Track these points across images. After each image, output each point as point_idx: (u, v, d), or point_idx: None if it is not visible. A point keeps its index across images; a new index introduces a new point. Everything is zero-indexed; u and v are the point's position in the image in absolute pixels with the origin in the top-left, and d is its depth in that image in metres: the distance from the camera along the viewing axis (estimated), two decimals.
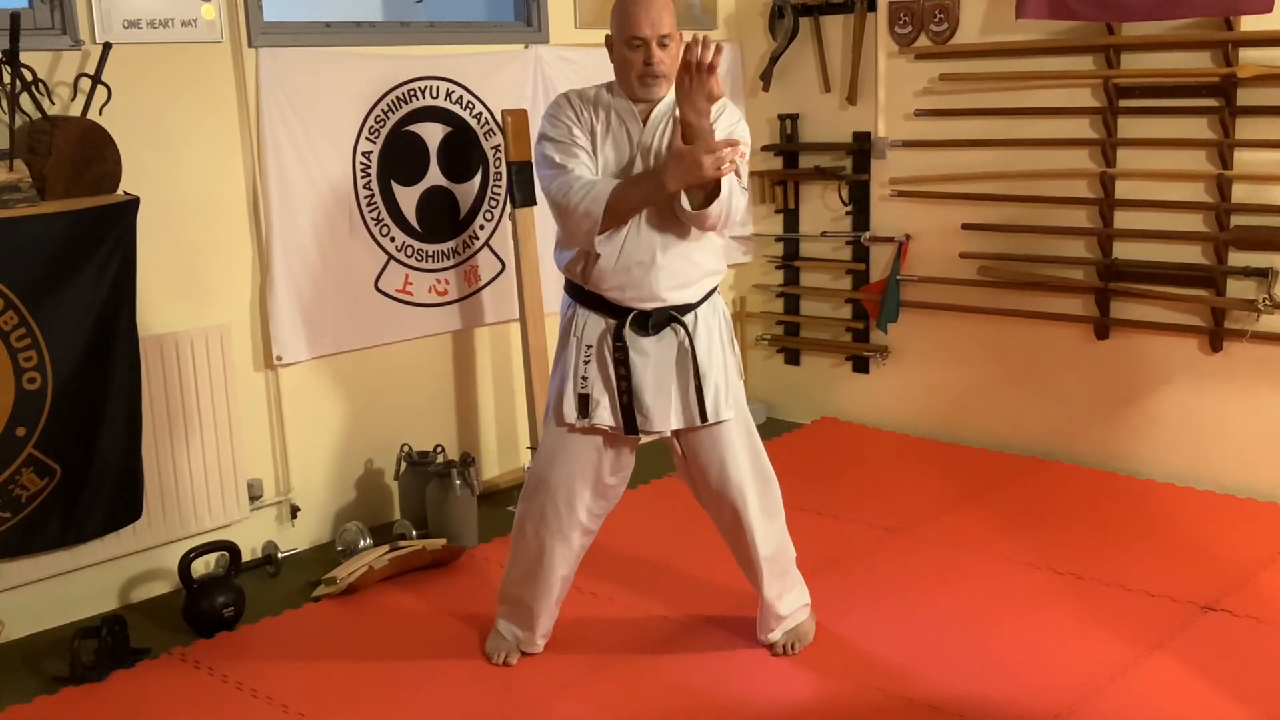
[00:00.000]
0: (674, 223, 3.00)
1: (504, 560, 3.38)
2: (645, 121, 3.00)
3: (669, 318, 3.05)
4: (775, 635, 3.33)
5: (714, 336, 3.10)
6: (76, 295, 3.37)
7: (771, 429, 5.31)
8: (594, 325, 3.08)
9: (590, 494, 3.17)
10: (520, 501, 3.27)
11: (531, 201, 4.35)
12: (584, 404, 3.08)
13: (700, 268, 3.07)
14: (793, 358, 5.57)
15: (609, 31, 3.02)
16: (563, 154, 2.98)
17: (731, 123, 2.98)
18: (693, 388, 3.06)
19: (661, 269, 3.01)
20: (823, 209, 5.30)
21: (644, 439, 3.16)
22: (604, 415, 3.08)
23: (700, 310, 3.09)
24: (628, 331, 3.04)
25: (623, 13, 2.95)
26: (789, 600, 3.33)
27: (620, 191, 2.91)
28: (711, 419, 3.08)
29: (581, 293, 3.11)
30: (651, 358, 3.05)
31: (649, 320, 3.04)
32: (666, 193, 2.88)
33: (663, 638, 3.43)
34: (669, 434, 3.12)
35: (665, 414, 3.06)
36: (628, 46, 2.94)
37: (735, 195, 2.95)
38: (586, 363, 3.08)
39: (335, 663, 3.37)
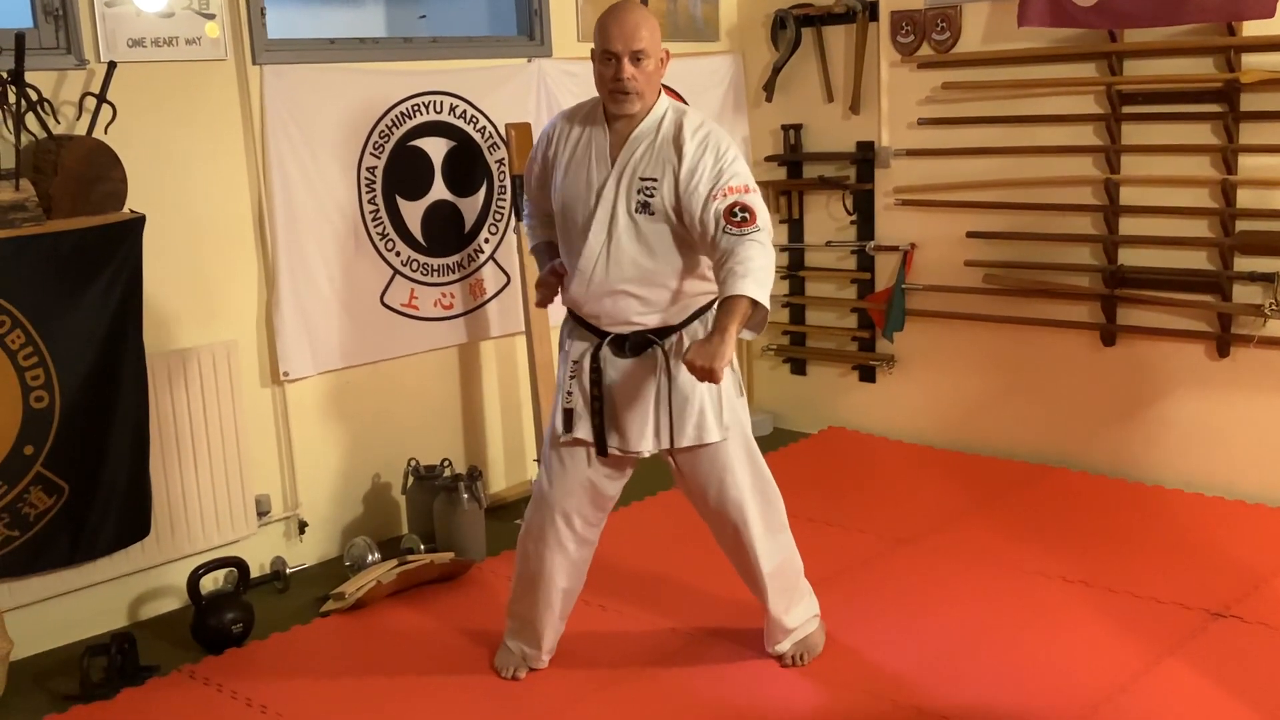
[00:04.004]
0: (650, 252, 2.92)
1: (511, 574, 3.38)
2: (627, 139, 2.93)
3: (648, 340, 3.00)
4: (784, 647, 3.31)
5: None
6: (83, 313, 3.38)
7: (778, 439, 5.30)
8: (580, 342, 3.08)
9: (589, 505, 3.16)
10: (525, 517, 3.27)
11: None
12: (568, 418, 3.07)
13: (683, 293, 2.99)
14: (799, 368, 5.56)
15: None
16: (529, 174, 3.21)
17: (726, 164, 2.85)
18: (666, 410, 3.00)
19: (635, 299, 2.96)
20: (827, 218, 5.30)
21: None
22: (584, 431, 3.06)
23: (687, 330, 3.01)
24: (604, 352, 3.02)
25: (599, 26, 2.92)
26: (797, 612, 3.31)
27: (535, 252, 3.31)
28: (690, 442, 3.02)
29: (571, 310, 3.11)
30: (629, 378, 3.01)
31: (626, 343, 3.01)
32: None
33: (671, 650, 3.43)
34: (647, 454, 3.06)
35: (640, 435, 3.02)
36: (601, 60, 2.91)
37: (766, 255, 2.77)
38: (572, 378, 3.07)
39: (344, 678, 3.37)
